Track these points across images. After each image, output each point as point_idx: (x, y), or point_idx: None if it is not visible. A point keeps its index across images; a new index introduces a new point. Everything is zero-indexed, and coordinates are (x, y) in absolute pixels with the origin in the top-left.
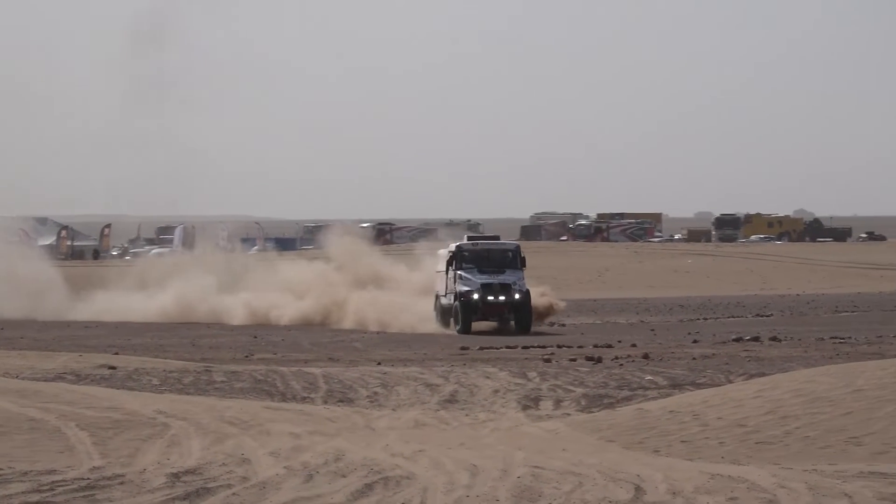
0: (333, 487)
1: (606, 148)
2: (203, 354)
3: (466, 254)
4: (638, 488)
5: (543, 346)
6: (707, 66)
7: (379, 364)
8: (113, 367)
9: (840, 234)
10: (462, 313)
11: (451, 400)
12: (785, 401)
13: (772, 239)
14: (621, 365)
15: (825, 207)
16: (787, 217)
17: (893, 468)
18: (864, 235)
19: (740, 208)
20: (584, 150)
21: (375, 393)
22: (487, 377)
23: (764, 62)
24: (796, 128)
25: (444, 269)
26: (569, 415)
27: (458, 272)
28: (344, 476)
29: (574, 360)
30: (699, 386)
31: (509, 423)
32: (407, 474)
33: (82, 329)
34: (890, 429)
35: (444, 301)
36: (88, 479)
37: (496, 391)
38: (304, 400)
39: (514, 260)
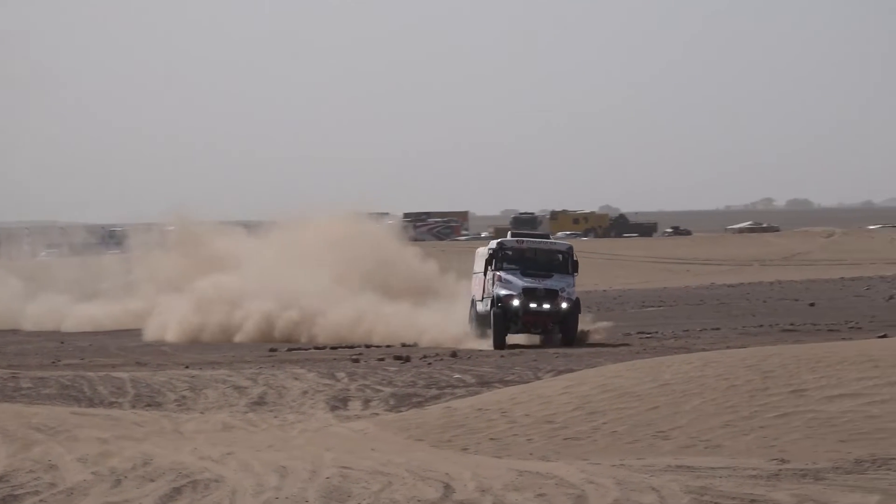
0: (142, 492)
1: (412, 147)
2: (9, 361)
3: (509, 252)
4: (447, 486)
5: (352, 347)
6: (509, 66)
7: (187, 368)
8: None
9: (646, 229)
10: (496, 323)
11: (260, 402)
12: (592, 396)
13: (578, 235)
14: (429, 364)
15: (630, 203)
16: (592, 213)
17: (700, 461)
18: (669, 230)
19: (547, 205)
20: (390, 150)
21: (183, 396)
22: (296, 378)
23: (566, 59)
24: (600, 125)
25: (483, 269)
26: (377, 414)
27: (498, 273)
28: (152, 480)
29: (382, 359)
30: (507, 383)
31: (318, 424)
32: (215, 477)
33: None
34: (696, 422)
35: (480, 307)
36: None
37: (305, 392)
38: (111, 405)
39: (564, 263)
